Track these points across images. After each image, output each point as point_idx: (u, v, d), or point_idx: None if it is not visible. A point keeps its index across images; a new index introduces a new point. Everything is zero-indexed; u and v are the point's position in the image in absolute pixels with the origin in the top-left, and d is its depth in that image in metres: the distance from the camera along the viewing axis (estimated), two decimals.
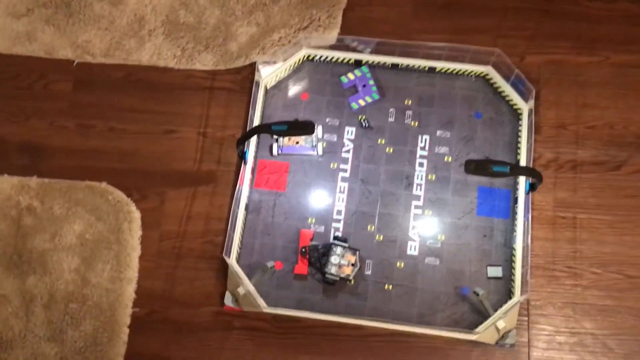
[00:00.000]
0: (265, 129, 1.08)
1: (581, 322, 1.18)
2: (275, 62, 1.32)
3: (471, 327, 1.18)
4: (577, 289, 1.20)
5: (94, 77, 1.38)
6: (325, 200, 1.27)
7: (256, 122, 1.29)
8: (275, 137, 1.29)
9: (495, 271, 1.22)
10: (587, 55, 1.35)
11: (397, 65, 1.34)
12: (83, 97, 1.37)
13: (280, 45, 1.34)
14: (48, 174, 1.31)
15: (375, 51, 1.33)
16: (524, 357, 1.17)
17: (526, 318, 1.19)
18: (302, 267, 1.23)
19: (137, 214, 1.27)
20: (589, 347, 1.17)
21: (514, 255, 1.21)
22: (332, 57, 1.35)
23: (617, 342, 1.17)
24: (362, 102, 1.33)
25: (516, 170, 1.07)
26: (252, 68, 1.36)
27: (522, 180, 1.23)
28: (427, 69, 1.33)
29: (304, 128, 1.05)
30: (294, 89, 1.34)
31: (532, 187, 1.18)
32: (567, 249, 1.23)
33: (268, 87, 1.34)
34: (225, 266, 1.23)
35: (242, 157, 1.23)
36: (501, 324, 1.15)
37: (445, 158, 1.29)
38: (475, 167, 1.02)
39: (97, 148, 1.33)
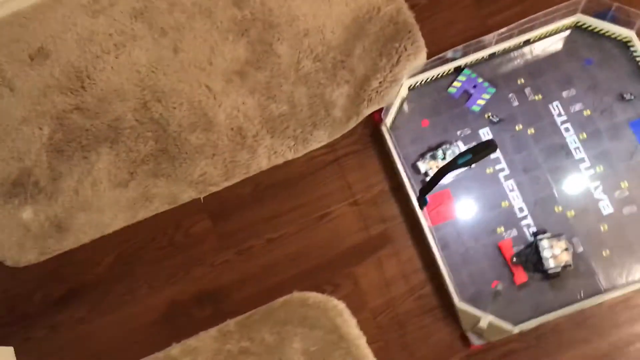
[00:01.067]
0: (449, 168, 1.07)
1: None
2: (390, 103, 1.33)
3: None
4: None
5: (226, 203, 1.37)
6: (502, 206, 1.27)
7: (400, 167, 1.29)
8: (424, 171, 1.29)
9: None
10: None
11: (494, 53, 1.35)
12: (226, 225, 1.36)
13: (384, 88, 1.34)
14: (236, 311, 1.29)
15: (466, 52, 1.34)
16: None
17: None
18: (521, 276, 1.22)
19: (341, 305, 1.26)
20: None
21: None
22: (432, 76, 1.35)
23: None
24: (481, 102, 1.33)
25: None
26: (363, 122, 1.36)
27: None
28: (521, 44, 1.35)
29: (487, 148, 1.04)
30: (412, 121, 1.35)
31: None
32: None
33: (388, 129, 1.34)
34: (449, 312, 1.23)
35: (423, 205, 1.22)
36: None
37: (585, 113, 1.30)
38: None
39: (267, 265, 1.32)
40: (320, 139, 1.37)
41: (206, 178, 1.38)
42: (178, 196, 1.38)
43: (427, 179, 1.28)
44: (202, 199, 1.38)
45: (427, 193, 1.15)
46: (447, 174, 1.09)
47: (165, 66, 1.45)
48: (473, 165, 1.28)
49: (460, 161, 1.06)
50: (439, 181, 1.10)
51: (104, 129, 1.44)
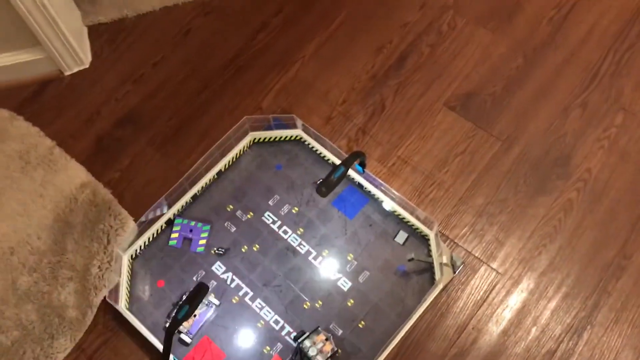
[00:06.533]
0: (175, 326, 1.07)
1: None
2: (116, 283, 1.32)
3: (428, 286, 1.32)
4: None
5: None
6: (259, 326, 1.30)
7: (152, 339, 1.26)
8: (178, 331, 1.28)
9: (401, 236, 1.37)
10: None
11: (195, 194, 1.42)
12: None
13: (104, 271, 1.33)
14: None
15: (170, 203, 1.40)
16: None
17: (448, 241, 1.37)
18: None
19: None
20: None
21: (399, 214, 1.38)
22: (149, 238, 1.38)
23: None
24: (202, 242, 1.38)
25: (348, 162, 1.21)
26: (102, 309, 1.33)
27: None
28: (215, 176, 1.44)
29: (200, 292, 1.07)
30: (147, 288, 1.34)
31: (362, 166, 1.36)
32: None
33: (127, 308, 1.32)
34: None
35: None
36: (444, 259, 1.30)
37: (294, 210, 1.41)
38: (325, 186, 1.16)
39: None
40: (64, 347, 1.30)
41: None
42: None
43: (181, 336, 1.27)
44: None
45: (167, 357, 1.13)
46: (174, 332, 1.08)
47: None
48: (215, 302, 1.31)
49: (181, 315, 1.06)
50: (170, 343, 1.10)
51: None
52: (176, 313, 1.07)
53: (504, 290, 1.31)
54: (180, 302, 1.18)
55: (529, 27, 1.59)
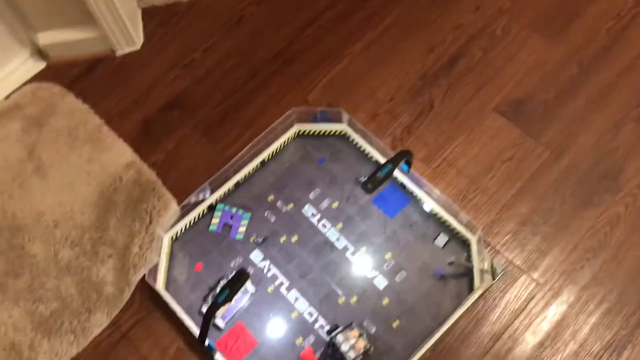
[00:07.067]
0: (214, 309, 1.08)
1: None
2: (155, 263, 1.33)
3: (466, 291, 1.30)
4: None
5: None
6: (292, 317, 1.30)
7: (186, 320, 1.27)
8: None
9: (442, 239, 1.35)
10: None
11: (238, 182, 1.43)
12: None
13: (145, 251, 1.35)
14: None
15: (213, 188, 1.41)
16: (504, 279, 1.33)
17: (489, 247, 1.35)
18: None
19: None
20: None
21: (440, 217, 1.36)
22: (190, 221, 1.39)
23: None
24: (242, 229, 1.39)
25: (395, 160, 1.21)
26: (139, 288, 1.34)
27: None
28: (259, 165, 1.45)
29: (240, 278, 1.08)
30: (185, 270, 1.35)
31: (408, 165, 1.35)
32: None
33: (164, 288, 1.33)
34: None
35: (210, 351, 1.21)
36: (485, 265, 1.28)
37: (333, 205, 1.41)
38: (371, 182, 1.15)
39: None
40: (100, 322, 1.32)
41: None
42: None
43: (215, 320, 1.28)
44: None
45: (204, 339, 1.14)
46: (213, 314, 1.09)
47: None
48: (250, 290, 1.31)
49: (221, 299, 1.07)
50: (209, 325, 1.11)
51: None
52: (216, 297, 1.08)
53: (543, 302, 1.29)
54: (220, 287, 1.19)
55: (585, 37, 1.56)
